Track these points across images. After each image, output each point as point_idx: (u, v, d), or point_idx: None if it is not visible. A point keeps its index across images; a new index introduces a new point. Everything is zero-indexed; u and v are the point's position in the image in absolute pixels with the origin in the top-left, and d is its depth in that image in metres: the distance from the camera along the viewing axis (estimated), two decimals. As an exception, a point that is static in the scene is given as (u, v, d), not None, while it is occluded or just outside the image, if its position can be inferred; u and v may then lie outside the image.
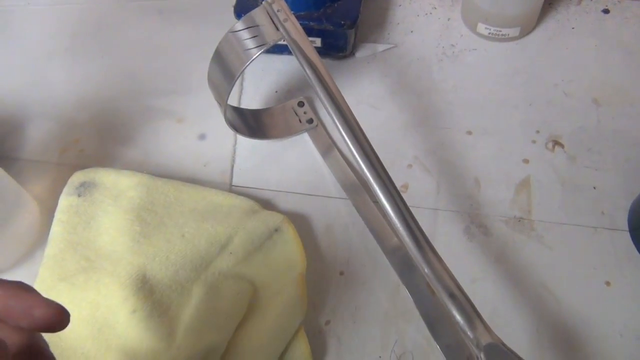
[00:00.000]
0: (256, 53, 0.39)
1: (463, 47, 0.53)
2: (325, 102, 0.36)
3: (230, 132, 0.48)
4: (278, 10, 0.40)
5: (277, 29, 0.39)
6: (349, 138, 0.35)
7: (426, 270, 0.32)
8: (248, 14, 0.40)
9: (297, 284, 0.40)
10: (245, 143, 0.49)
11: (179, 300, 0.39)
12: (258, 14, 0.40)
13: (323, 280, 0.43)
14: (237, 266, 0.41)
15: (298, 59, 0.38)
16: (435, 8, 0.56)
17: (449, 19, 0.55)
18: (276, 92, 0.52)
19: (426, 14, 0.56)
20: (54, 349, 0.37)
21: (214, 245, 0.41)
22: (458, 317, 0.31)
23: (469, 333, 0.30)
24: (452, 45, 0.53)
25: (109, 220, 0.42)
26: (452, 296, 0.31)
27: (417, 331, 0.40)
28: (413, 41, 0.54)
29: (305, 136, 0.49)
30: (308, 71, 0.38)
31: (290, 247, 0.42)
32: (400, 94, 0.51)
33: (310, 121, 0.49)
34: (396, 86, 0.51)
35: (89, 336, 0.37)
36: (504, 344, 0.30)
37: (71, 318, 0.38)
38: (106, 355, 0.37)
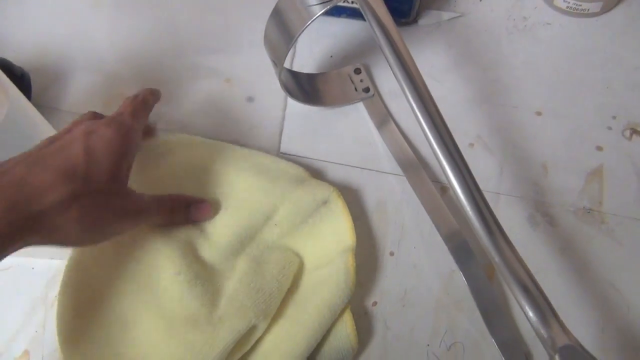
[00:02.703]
0: (320, 10, 0.36)
1: (536, 21, 0.49)
2: (395, 67, 0.33)
3: (280, 96, 0.45)
4: (346, -35, 0.36)
5: (345, -16, 0.36)
6: (419, 109, 0.32)
7: (497, 259, 0.29)
8: (313, -33, 0.37)
9: (346, 260, 0.38)
10: (296, 109, 0.46)
11: (223, 272, 0.37)
12: (324, -32, 0.37)
13: (372, 260, 0.40)
14: (282, 239, 0.39)
15: (366, 17, 0.35)
16: (507, -24, 0.52)
17: (522, -11, 0.51)
18: (331, 56, 0.49)
19: (497, -18, 0.52)
20: (91, 305, 0.36)
21: (257, 216, 0.39)
22: (531, 314, 0.28)
23: (542, 332, 0.27)
24: (525, 18, 0.49)
25: (155, 178, 0.40)
26: (525, 290, 0.28)
27: (470, 322, 0.38)
28: (482, 11, 0.50)
29: (360, 106, 0.46)
30: (377, 31, 0.34)
31: (338, 221, 0.40)
32: (465, 66, 0.47)
33: (367, 90, 0.46)
34: (461, 58, 0.48)
35: (129, 292, 0.35)
36: (582, 347, 0.27)
37: (113, 274, 0.36)
38: (143, 314, 0.35)
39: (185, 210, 0.38)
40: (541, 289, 0.28)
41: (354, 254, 0.38)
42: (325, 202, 0.40)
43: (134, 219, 0.34)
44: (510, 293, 0.38)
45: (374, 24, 0.34)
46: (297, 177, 0.41)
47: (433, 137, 0.32)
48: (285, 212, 0.39)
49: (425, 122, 0.32)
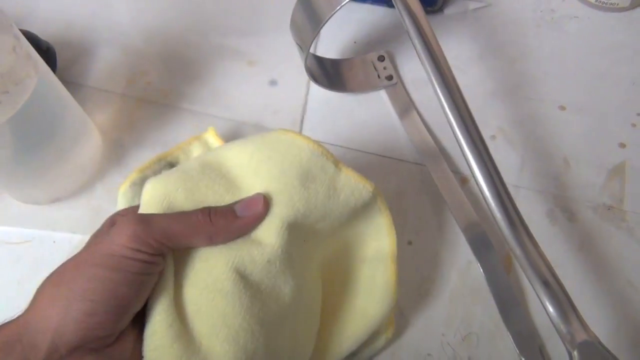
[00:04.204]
0: (349, -3, 0.36)
1: (564, 13, 0.48)
2: (423, 56, 0.33)
3: (302, 80, 0.45)
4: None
5: (376, -29, 0.36)
6: (445, 100, 0.32)
7: (518, 252, 0.29)
8: (344, -48, 0.37)
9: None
10: (318, 94, 0.46)
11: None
12: (355, -47, 0.37)
13: (389, 248, 0.40)
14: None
15: (396, 4, 0.35)
16: (535, -33, 0.51)
17: (550, -19, 0.50)
18: (355, 42, 0.48)
19: (525, -28, 0.51)
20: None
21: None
22: (551, 309, 0.28)
23: (562, 327, 0.28)
24: (552, 10, 0.49)
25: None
26: (545, 284, 0.28)
27: (485, 313, 0.38)
28: (509, 1, 0.49)
29: (383, 93, 0.46)
30: (406, 19, 0.34)
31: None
32: (490, 58, 0.47)
33: (390, 78, 0.46)
34: (486, 49, 0.47)
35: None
36: (601, 343, 0.27)
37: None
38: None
39: (226, 212, 0.30)
40: (562, 284, 0.29)
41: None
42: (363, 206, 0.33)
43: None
44: (526, 286, 0.38)
45: (403, 12, 0.34)
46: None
47: (458, 127, 0.31)
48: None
49: (452, 112, 0.32)
